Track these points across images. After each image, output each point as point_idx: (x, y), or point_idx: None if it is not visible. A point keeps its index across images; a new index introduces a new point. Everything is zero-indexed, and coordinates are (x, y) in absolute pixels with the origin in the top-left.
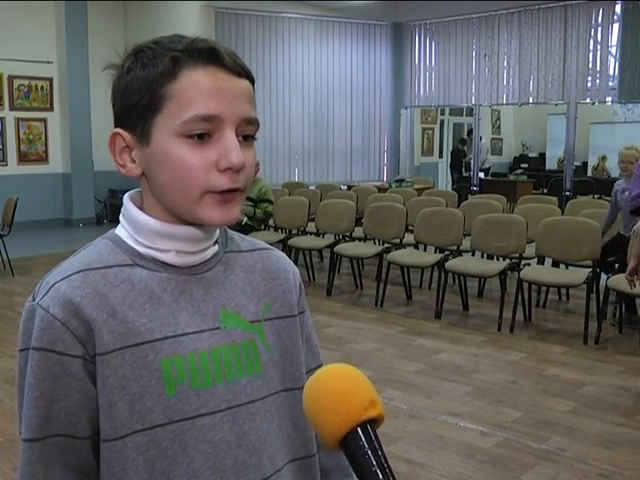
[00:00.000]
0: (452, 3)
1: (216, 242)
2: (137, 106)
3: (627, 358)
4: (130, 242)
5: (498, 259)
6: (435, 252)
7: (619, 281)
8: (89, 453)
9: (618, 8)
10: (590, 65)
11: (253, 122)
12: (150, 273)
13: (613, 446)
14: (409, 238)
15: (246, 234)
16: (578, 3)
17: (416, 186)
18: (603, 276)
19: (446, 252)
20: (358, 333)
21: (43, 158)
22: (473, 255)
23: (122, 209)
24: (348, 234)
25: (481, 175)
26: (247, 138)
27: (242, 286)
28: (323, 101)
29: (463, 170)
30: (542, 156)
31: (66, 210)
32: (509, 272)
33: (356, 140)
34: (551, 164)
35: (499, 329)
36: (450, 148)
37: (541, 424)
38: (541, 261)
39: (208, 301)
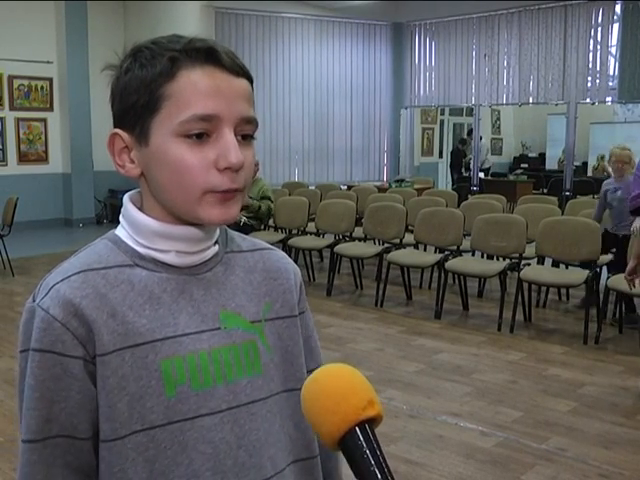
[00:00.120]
0: (452, 3)
1: (216, 242)
2: (135, 106)
3: (627, 358)
4: (130, 242)
5: (498, 259)
6: (435, 252)
7: (619, 281)
8: (90, 454)
9: (618, 8)
10: (590, 65)
11: (252, 121)
12: (150, 273)
13: (613, 446)
14: (409, 238)
15: (246, 234)
16: (578, 3)
17: (416, 186)
18: (603, 276)
19: (446, 252)
20: (358, 333)
21: (43, 158)
22: (473, 255)
23: (122, 210)
24: (348, 234)
25: (481, 175)
26: (246, 137)
27: (242, 286)
28: (323, 101)
29: (463, 170)
30: (542, 156)
31: (66, 210)
32: (509, 272)
33: (356, 140)
34: (551, 164)
35: (499, 329)
36: (450, 148)
37: (541, 424)
38: (541, 261)
39: (208, 301)
